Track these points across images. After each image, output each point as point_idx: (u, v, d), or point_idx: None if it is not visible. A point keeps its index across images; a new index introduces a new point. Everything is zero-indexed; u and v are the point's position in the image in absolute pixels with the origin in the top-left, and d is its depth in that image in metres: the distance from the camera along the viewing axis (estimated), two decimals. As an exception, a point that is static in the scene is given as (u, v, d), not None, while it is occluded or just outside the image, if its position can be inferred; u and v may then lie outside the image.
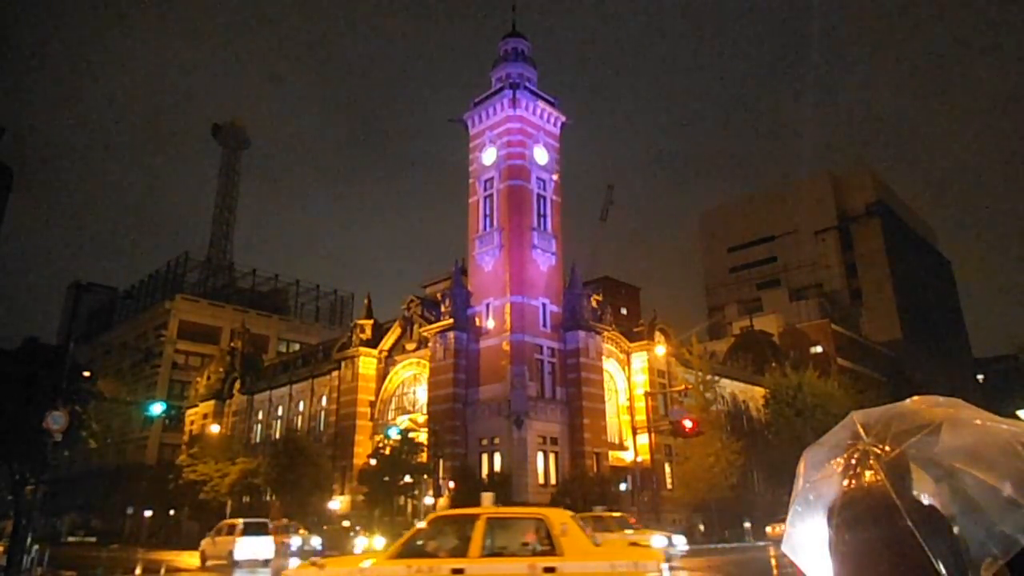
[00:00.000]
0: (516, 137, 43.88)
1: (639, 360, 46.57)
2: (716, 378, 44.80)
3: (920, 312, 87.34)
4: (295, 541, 32.77)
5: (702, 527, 40.97)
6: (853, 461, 1.07)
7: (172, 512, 54.83)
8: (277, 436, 53.80)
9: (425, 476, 35.78)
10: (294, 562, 25.69)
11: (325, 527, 39.53)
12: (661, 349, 42.73)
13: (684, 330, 52.08)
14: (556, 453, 39.54)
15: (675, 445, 41.61)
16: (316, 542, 33.98)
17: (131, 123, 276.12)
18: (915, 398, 1.14)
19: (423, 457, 37.63)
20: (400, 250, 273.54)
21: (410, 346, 46.34)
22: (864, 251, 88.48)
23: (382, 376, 48.14)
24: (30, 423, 21.56)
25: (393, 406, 47.60)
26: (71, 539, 53.73)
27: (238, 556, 25.31)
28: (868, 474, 1.04)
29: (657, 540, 22.59)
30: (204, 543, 28.17)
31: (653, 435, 38.12)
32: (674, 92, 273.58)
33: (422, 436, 40.28)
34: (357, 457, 44.52)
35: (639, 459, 40.37)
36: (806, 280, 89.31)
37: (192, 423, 62.67)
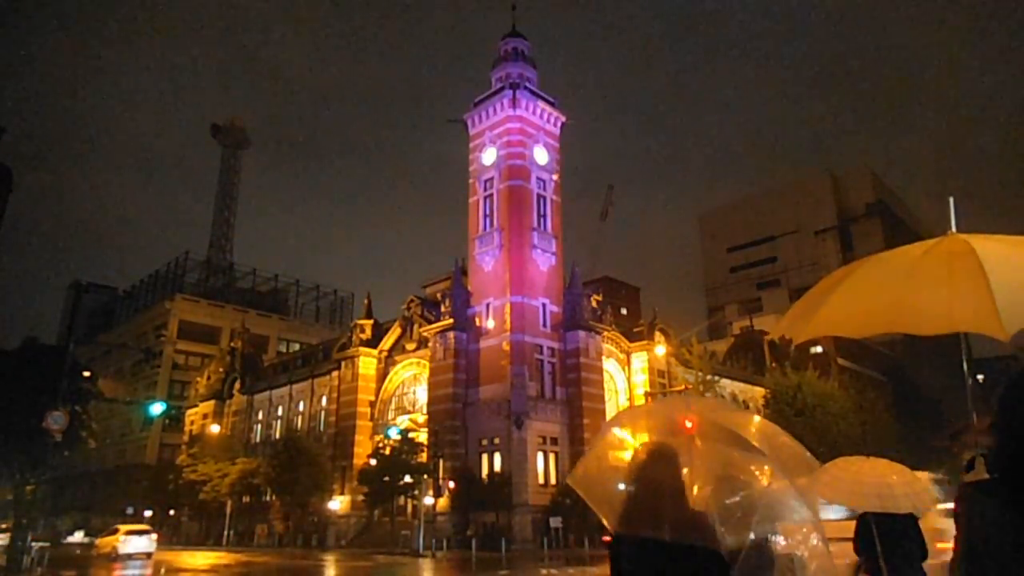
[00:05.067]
0: (516, 137, 43.88)
1: (639, 360, 46.56)
2: (716, 378, 44.80)
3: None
4: None
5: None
6: None
7: (172, 512, 54.85)
8: (277, 436, 53.79)
9: (425, 476, 35.78)
10: None
11: None
12: (661, 349, 42.70)
13: (684, 330, 52.07)
14: (556, 453, 39.55)
15: (675, 445, 41.60)
16: None
17: (131, 123, 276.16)
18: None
19: (423, 457, 37.63)
20: (400, 250, 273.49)
21: (410, 346, 46.33)
22: (864, 251, 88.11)
23: (382, 376, 48.12)
24: (30, 423, 21.57)
25: (393, 406, 47.59)
26: (71, 539, 53.71)
27: (122, 550, 31.04)
28: None
29: None
30: (99, 541, 34.59)
31: (653, 435, 38.10)
32: (674, 92, 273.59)
33: (422, 436, 40.28)
34: (357, 457, 44.50)
35: (639, 459, 40.35)
36: (806, 280, 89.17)
37: (192, 423, 62.68)
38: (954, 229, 2.34)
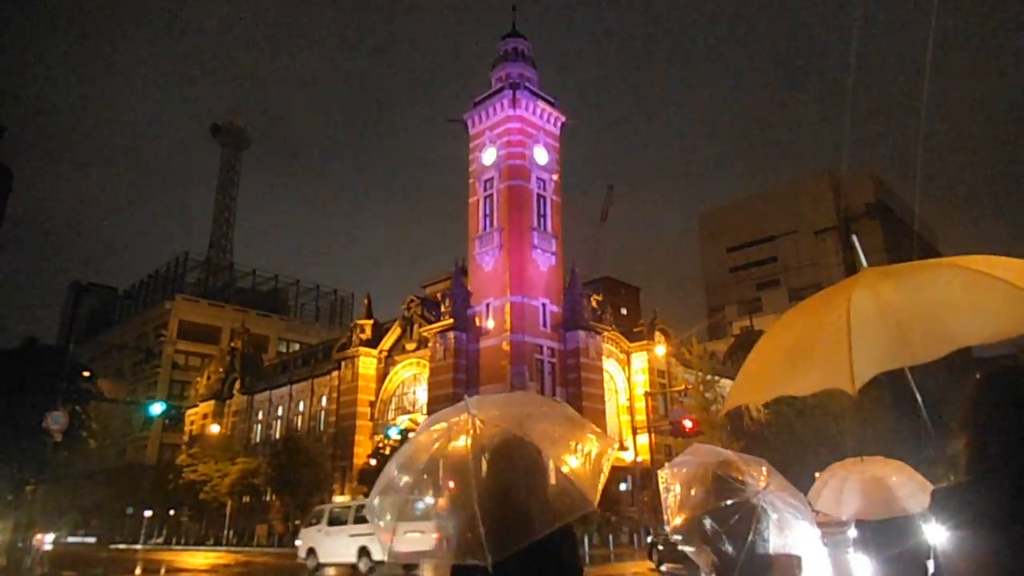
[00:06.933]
0: (516, 137, 43.87)
1: (639, 360, 46.55)
2: (716, 378, 44.69)
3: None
4: None
5: (702, 527, 40.91)
6: None
7: (172, 512, 54.84)
8: (277, 436, 53.80)
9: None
10: None
11: None
12: (661, 349, 42.69)
13: (684, 330, 51.96)
14: (556, 453, 39.51)
15: (675, 445, 41.56)
16: None
17: (131, 123, 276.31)
18: None
19: (423, 457, 37.61)
20: (400, 250, 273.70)
21: (410, 346, 46.33)
22: (864, 251, 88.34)
23: (382, 376, 48.13)
24: (30, 423, 21.58)
25: (393, 406, 47.59)
26: (71, 539, 53.67)
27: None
28: None
29: None
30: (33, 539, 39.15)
31: (653, 435, 38.08)
32: (674, 92, 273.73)
33: (422, 436, 40.26)
34: (357, 457, 44.53)
35: (639, 459, 40.35)
36: (806, 280, 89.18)
37: (192, 423, 62.68)
38: (864, 265, 2.47)
